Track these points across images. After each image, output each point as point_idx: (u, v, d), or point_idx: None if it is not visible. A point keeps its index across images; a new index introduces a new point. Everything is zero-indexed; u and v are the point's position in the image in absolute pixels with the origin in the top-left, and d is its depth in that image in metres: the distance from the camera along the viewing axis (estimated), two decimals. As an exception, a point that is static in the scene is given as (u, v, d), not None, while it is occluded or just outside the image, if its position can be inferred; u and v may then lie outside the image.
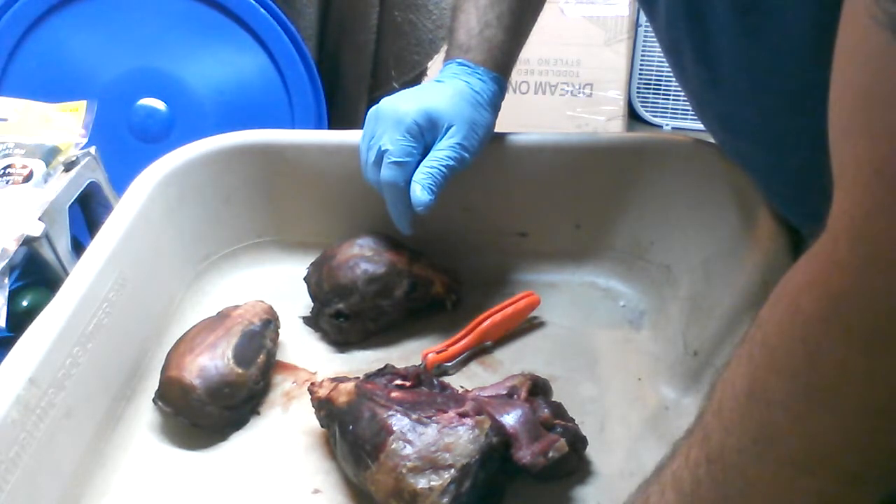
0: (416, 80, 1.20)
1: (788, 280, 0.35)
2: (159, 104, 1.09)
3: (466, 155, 0.66)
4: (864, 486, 0.34)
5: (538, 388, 0.60)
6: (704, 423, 0.39)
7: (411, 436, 0.52)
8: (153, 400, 0.63)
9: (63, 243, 0.71)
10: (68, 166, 0.75)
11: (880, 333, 0.30)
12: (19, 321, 0.61)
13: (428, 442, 0.52)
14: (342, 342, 0.71)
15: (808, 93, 0.34)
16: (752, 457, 0.36)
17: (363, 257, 0.70)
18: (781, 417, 0.35)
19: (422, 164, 0.65)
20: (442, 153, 0.65)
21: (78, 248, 0.73)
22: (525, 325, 0.72)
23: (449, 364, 0.68)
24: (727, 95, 0.53)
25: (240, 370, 0.62)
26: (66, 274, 0.63)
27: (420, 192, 0.64)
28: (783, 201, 0.59)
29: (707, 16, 0.49)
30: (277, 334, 0.69)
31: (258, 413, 0.65)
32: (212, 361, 0.61)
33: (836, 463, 0.34)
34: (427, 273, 0.72)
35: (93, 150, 0.78)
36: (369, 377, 0.60)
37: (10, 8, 1.06)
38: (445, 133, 0.65)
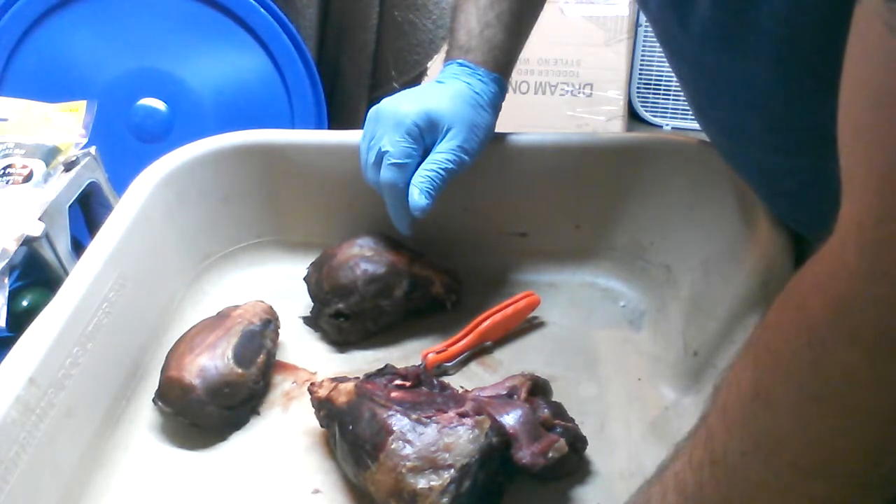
0: (416, 80, 1.20)
1: (795, 283, 0.35)
2: (159, 104, 1.09)
3: (466, 157, 0.66)
4: (869, 490, 0.34)
5: (538, 388, 0.60)
6: (708, 424, 0.39)
7: (411, 436, 0.52)
8: (153, 400, 0.63)
9: (63, 243, 0.71)
10: (68, 166, 0.75)
11: (887, 339, 0.30)
12: (19, 321, 0.61)
13: (428, 442, 0.52)
14: (342, 342, 0.71)
15: (807, 100, 0.35)
16: (756, 460, 0.36)
17: (363, 257, 0.70)
18: (786, 421, 0.35)
19: (421, 167, 0.65)
20: (441, 156, 0.65)
21: (78, 248, 0.73)
22: (525, 325, 0.72)
23: (449, 364, 0.68)
24: (724, 104, 0.53)
25: (240, 370, 0.62)
26: (66, 274, 0.63)
27: (418, 196, 0.64)
28: (786, 205, 0.59)
29: (693, 30, 0.49)
30: (277, 334, 0.69)
31: (258, 413, 0.65)
32: (212, 361, 0.61)
33: (841, 467, 0.34)
34: (427, 273, 0.72)
35: (93, 150, 0.78)
36: (369, 377, 0.60)
37: (10, 8, 1.06)
38: (445, 135, 0.65)
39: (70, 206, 0.73)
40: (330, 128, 1.14)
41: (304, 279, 0.73)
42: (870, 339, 0.31)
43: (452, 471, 0.51)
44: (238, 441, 0.63)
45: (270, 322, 0.68)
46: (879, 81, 0.29)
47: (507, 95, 0.72)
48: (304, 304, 0.74)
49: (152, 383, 0.64)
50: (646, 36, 2.11)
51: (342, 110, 1.21)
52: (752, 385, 0.36)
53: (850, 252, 0.31)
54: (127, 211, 0.67)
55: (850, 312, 0.31)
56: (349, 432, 0.55)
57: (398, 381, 0.59)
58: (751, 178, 0.60)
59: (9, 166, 0.73)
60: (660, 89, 2.18)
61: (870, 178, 0.30)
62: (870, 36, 0.29)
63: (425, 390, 0.59)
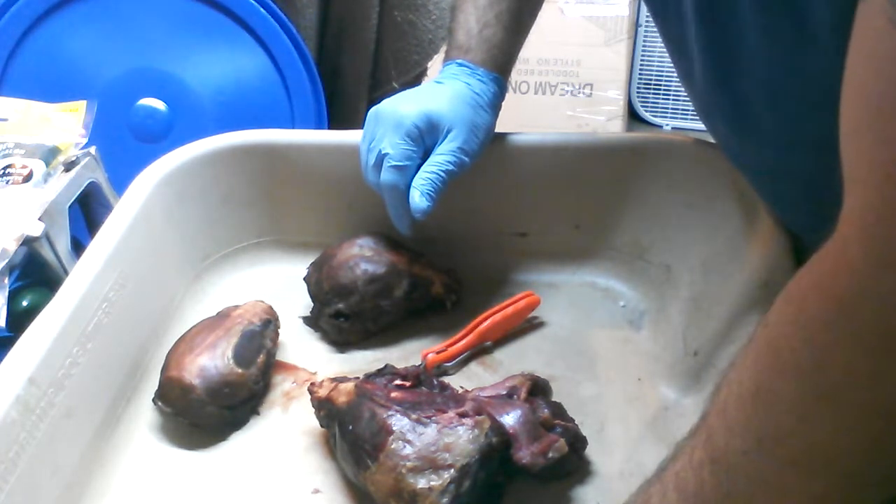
0: (416, 81, 1.20)
1: (796, 281, 0.35)
2: (159, 104, 1.09)
3: (466, 159, 0.66)
4: (869, 488, 0.34)
5: (538, 389, 0.60)
6: (708, 423, 0.39)
7: (411, 436, 0.52)
8: (153, 400, 0.63)
9: (63, 243, 0.71)
10: (68, 166, 0.75)
11: (888, 336, 0.30)
12: (19, 321, 0.61)
13: (427, 442, 0.52)
14: (342, 342, 0.71)
15: (827, 94, 0.34)
16: (756, 458, 0.36)
17: (363, 257, 0.70)
18: (787, 419, 0.35)
19: (421, 169, 0.65)
20: (442, 158, 0.65)
21: (78, 248, 0.73)
22: (525, 325, 0.72)
23: (449, 364, 0.68)
24: (740, 97, 0.52)
25: (240, 370, 0.62)
26: (66, 274, 0.63)
27: (419, 198, 0.64)
28: (787, 206, 0.59)
29: (723, 16, 0.49)
30: (277, 334, 0.69)
31: (258, 413, 0.65)
32: (212, 361, 0.61)
33: (841, 465, 0.34)
34: (427, 273, 0.72)
35: (93, 150, 0.78)
36: (369, 377, 0.60)
37: (10, 8, 1.06)
38: (445, 136, 0.65)
39: (70, 206, 0.73)
40: (330, 128, 1.14)
41: (304, 279, 0.73)
42: (871, 337, 0.31)
43: (452, 471, 0.51)
44: (238, 441, 0.63)
45: (270, 322, 0.68)
46: (881, 79, 0.29)
47: (507, 95, 0.72)
48: (304, 304, 0.74)
49: (152, 383, 0.64)
50: (646, 36, 2.11)
51: (342, 110, 1.21)
52: (753, 383, 0.36)
53: (853, 250, 0.31)
54: (127, 211, 0.67)
55: (851, 310, 0.31)
56: (349, 432, 0.55)
57: (398, 381, 0.59)
58: (754, 179, 0.60)
59: (9, 166, 0.73)
60: (660, 89, 2.18)
61: (871, 175, 0.30)
62: (874, 33, 0.29)
63: (425, 390, 0.59)
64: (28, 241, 0.67)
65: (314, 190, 0.77)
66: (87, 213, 0.80)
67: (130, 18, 1.08)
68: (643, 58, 2.15)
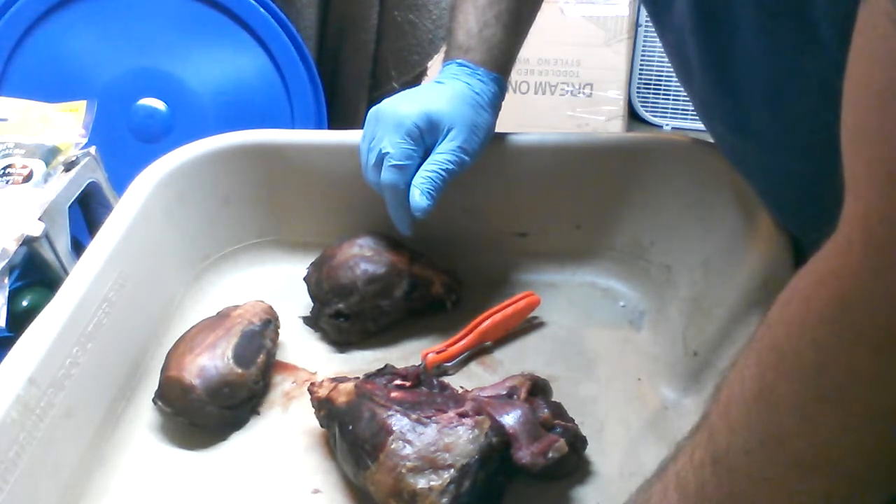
0: (416, 80, 1.20)
1: (798, 281, 0.35)
2: (159, 104, 1.09)
3: (466, 158, 0.66)
4: (871, 488, 0.34)
5: (538, 389, 0.60)
6: (710, 423, 0.39)
7: (411, 436, 0.52)
8: (153, 400, 0.63)
9: (63, 243, 0.71)
10: (68, 166, 0.75)
11: (891, 336, 0.30)
12: (19, 321, 0.61)
13: (427, 442, 0.52)
14: (342, 342, 0.71)
15: (827, 94, 0.34)
16: (758, 458, 0.36)
17: (363, 257, 0.70)
18: (789, 419, 0.35)
19: (422, 168, 0.65)
20: (442, 157, 0.65)
21: (78, 248, 0.73)
22: (525, 325, 0.72)
23: (449, 364, 0.68)
24: (740, 98, 0.52)
25: (240, 370, 0.62)
26: (66, 274, 0.63)
27: (419, 196, 0.64)
28: (785, 208, 0.59)
29: (724, 16, 0.49)
30: (277, 334, 0.69)
31: (258, 413, 0.65)
32: (212, 361, 0.61)
33: (844, 465, 0.34)
34: (427, 273, 0.72)
35: (93, 150, 0.78)
36: (369, 377, 0.60)
37: (10, 8, 1.06)
38: (446, 136, 0.65)
39: (70, 206, 0.73)
40: (330, 128, 1.14)
41: (304, 279, 0.73)
42: (874, 337, 0.31)
43: (452, 471, 0.51)
44: (238, 441, 0.63)
45: (270, 322, 0.68)
46: (883, 78, 0.29)
47: (507, 95, 0.72)
48: (304, 304, 0.74)
49: (152, 383, 0.64)
50: (646, 36, 2.11)
51: (342, 110, 1.21)
52: (756, 384, 0.36)
53: (855, 251, 0.31)
54: (127, 211, 0.67)
55: (853, 310, 0.31)
56: (349, 432, 0.55)
57: (398, 381, 0.59)
58: (753, 179, 0.60)
59: (9, 166, 0.73)
60: (660, 89, 2.18)
61: (873, 176, 0.30)
62: (873, 33, 0.29)
63: (425, 390, 0.59)
64: (28, 241, 0.67)
65: (314, 190, 0.77)
66: (87, 213, 0.80)
67: (130, 18, 1.08)
68: (643, 58, 2.15)
